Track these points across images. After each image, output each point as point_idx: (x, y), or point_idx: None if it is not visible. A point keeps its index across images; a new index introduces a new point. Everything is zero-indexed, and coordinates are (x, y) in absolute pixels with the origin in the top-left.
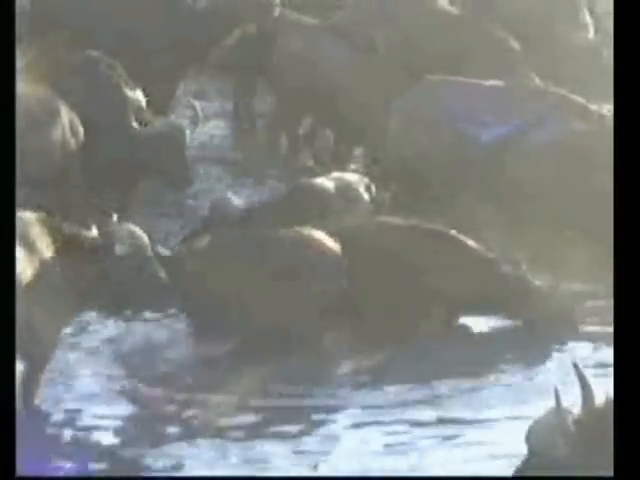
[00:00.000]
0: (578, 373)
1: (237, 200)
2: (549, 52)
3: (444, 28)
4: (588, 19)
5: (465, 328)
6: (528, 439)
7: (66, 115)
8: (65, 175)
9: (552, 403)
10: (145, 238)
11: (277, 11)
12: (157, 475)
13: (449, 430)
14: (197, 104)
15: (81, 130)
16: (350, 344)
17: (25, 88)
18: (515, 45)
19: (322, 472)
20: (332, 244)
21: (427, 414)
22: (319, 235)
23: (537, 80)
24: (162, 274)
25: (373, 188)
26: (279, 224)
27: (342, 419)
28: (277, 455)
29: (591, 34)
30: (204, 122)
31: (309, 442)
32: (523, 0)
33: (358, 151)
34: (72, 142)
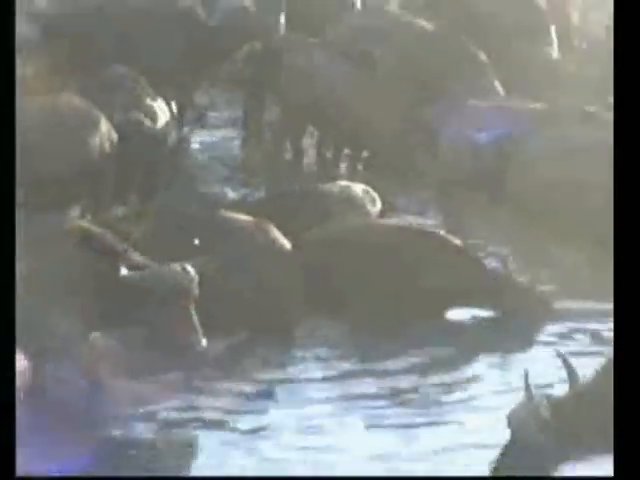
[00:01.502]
0: (563, 359)
1: (231, 194)
2: (516, 65)
3: (425, 45)
4: (554, 37)
5: (453, 319)
6: (509, 424)
7: (104, 125)
8: (101, 175)
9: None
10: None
11: (282, 30)
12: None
13: (436, 412)
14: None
15: (115, 136)
16: (338, 334)
17: (66, 100)
18: (484, 58)
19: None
20: (283, 240)
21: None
22: (271, 228)
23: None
24: None
25: (375, 196)
26: (276, 220)
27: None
28: None
29: (556, 51)
30: (216, 130)
31: None
32: (495, 19)
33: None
34: (107, 147)
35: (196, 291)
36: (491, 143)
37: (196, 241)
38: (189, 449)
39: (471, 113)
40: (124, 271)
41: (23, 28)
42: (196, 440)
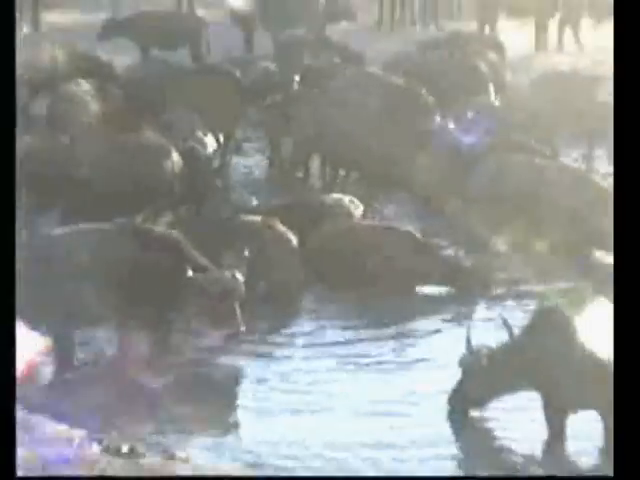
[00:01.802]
0: (504, 321)
1: (255, 202)
2: (462, 109)
3: (397, 95)
4: (491, 89)
5: (421, 293)
6: (460, 365)
7: (174, 153)
8: (172, 190)
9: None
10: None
11: (296, 85)
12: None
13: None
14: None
15: (181, 162)
16: (334, 307)
17: (146, 135)
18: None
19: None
20: (288, 233)
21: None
22: (280, 226)
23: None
24: None
25: (359, 204)
26: (287, 221)
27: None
28: None
29: (492, 97)
30: (249, 157)
31: None
32: (448, 77)
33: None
34: (176, 169)
35: (242, 292)
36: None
37: (246, 252)
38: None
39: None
40: (190, 272)
41: (109, 86)
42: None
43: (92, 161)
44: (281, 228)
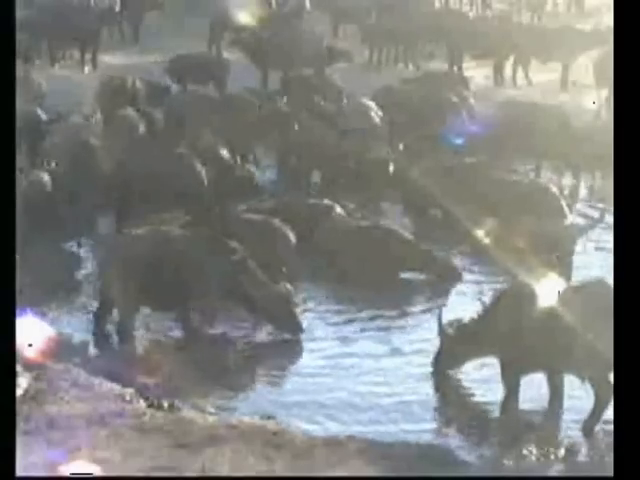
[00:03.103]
0: (482, 301)
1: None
2: None
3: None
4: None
5: (404, 279)
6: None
7: (198, 165)
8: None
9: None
10: None
11: (296, 127)
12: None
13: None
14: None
15: (204, 173)
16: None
17: (182, 153)
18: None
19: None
20: (287, 231)
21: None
22: (279, 224)
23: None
24: None
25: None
26: (288, 220)
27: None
28: None
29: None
30: (262, 171)
31: None
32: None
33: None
34: (203, 179)
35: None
36: None
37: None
38: None
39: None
40: (254, 290)
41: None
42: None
43: (134, 168)
44: (280, 225)
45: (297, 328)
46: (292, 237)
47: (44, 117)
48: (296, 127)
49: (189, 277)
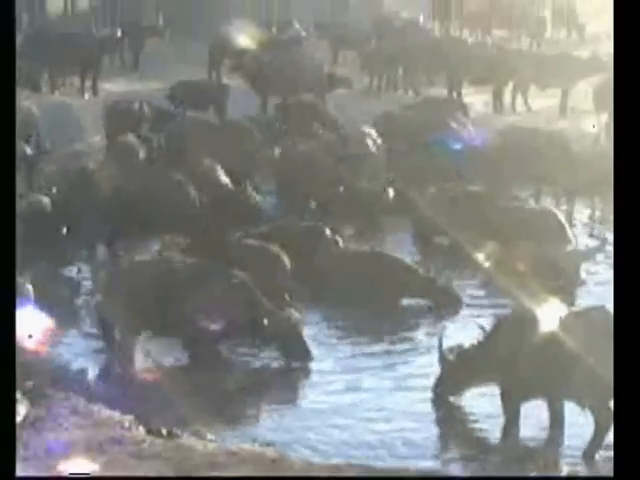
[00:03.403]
0: (481, 327)
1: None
2: None
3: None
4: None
5: (405, 305)
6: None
7: (193, 191)
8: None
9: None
10: None
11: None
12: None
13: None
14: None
15: (197, 198)
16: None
17: (179, 179)
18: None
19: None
20: (283, 256)
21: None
22: (275, 249)
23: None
24: None
25: (337, 236)
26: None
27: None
28: None
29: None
30: (262, 195)
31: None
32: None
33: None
34: (200, 202)
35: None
36: None
37: (265, 321)
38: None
39: None
40: (265, 321)
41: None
42: None
43: (134, 191)
44: (278, 251)
45: (307, 356)
46: (289, 264)
47: (29, 151)
48: (294, 153)
49: (193, 304)
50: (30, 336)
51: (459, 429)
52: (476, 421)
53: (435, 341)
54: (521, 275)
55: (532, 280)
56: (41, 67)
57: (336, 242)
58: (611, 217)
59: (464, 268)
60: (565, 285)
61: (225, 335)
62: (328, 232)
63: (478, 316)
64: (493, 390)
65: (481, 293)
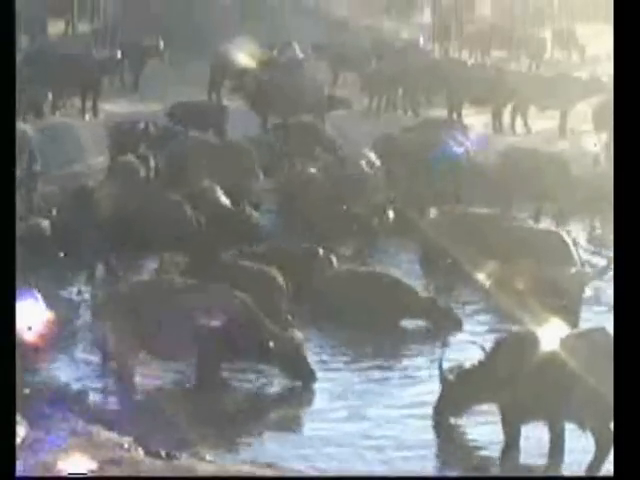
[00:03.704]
0: (481, 347)
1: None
2: None
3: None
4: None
5: (404, 326)
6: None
7: (189, 211)
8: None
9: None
10: None
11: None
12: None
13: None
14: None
15: (203, 220)
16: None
17: (178, 200)
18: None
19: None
20: (280, 278)
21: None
22: (274, 272)
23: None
24: None
25: (332, 257)
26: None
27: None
28: None
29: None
30: (261, 213)
31: None
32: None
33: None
34: (198, 222)
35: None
36: None
37: (271, 344)
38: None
39: None
40: (271, 344)
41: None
42: None
43: (132, 209)
44: (276, 274)
45: (310, 376)
46: (286, 286)
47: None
48: (293, 174)
49: (195, 325)
50: (29, 328)
51: (459, 447)
52: (479, 448)
53: (435, 363)
54: (525, 295)
55: (537, 301)
56: (43, 91)
57: (331, 262)
58: (611, 237)
59: (466, 288)
60: (569, 305)
61: (228, 358)
62: (321, 253)
63: (480, 336)
64: (494, 416)
65: (487, 318)
